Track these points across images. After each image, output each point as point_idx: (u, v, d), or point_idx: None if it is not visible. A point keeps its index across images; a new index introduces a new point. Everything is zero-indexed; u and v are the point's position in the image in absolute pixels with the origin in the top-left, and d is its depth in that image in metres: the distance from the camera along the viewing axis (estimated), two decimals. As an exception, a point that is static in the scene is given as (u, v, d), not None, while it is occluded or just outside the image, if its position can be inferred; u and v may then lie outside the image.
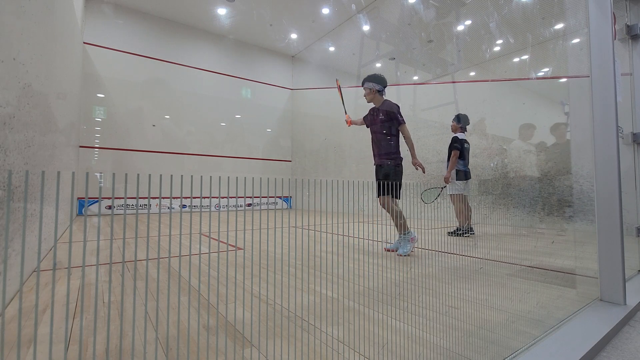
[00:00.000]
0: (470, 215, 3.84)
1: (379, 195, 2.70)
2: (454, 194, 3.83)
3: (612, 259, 1.44)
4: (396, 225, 2.66)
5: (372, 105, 2.96)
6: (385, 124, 2.80)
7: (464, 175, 3.83)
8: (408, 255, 2.52)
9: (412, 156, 2.79)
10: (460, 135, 3.89)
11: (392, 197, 2.65)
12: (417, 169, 2.76)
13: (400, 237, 2.61)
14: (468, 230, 3.69)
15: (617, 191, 1.42)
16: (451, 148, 3.84)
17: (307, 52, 8.63)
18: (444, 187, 3.82)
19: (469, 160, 4.02)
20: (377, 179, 2.84)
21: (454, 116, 4.05)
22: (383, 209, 2.67)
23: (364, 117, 3.04)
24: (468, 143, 3.98)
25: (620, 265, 1.41)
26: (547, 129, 3.98)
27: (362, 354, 1.04)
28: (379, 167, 2.84)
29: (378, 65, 7.30)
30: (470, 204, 3.91)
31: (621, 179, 1.44)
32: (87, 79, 5.95)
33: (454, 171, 3.80)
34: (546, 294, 1.70)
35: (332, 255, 2.61)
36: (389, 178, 2.73)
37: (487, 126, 5.15)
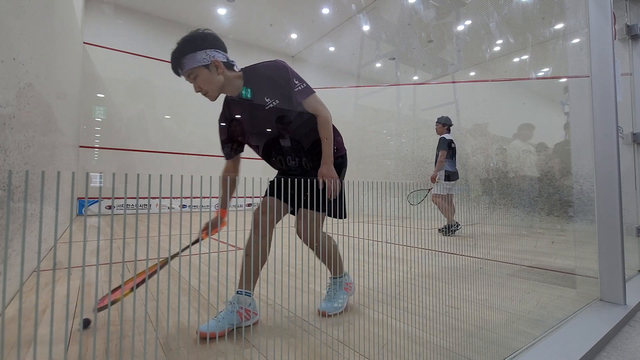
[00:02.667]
0: (454, 213, 3.90)
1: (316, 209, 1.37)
2: (437, 194, 3.89)
3: (612, 259, 1.44)
4: (326, 260, 1.49)
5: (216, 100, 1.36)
6: (284, 110, 1.32)
7: (452, 175, 3.90)
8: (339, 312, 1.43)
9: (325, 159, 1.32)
10: (447, 136, 3.97)
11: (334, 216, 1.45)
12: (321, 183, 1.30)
13: (332, 281, 1.51)
14: (456, 227, 3.75)
15: (617, 191, 1.42)
16: (439, 149, 3.93)
17: (307, 52, 8.62)
18: (431, 188, 3.86)
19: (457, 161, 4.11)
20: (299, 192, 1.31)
21: (437, 119, 4.16)
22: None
23: (225, 145, 1.44)
24: (454, 143, 4.05)
25: (620, 265, 1.41)
26: (547, 129, 3.99)
27: (362, 354, 1.04)
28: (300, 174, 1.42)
29: (378, 65, 7.30)
30: (454, 204, 3.95)
31: (621, 179, 1.44)
32: (87, 79, 5.95)
33: (441, 172, 3.87)
34: (546, 294, 1.70)
35: (332, 255, 2.61)
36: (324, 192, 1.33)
37: (488, 128, 5.16)
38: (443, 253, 2.76)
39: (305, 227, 1.38)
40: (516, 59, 6.43)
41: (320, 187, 1.29)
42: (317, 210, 1.36)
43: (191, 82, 1.30)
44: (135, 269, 0.68)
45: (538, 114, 4.88)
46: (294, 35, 8.15)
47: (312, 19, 7.08)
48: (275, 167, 1.51)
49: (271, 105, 1.30)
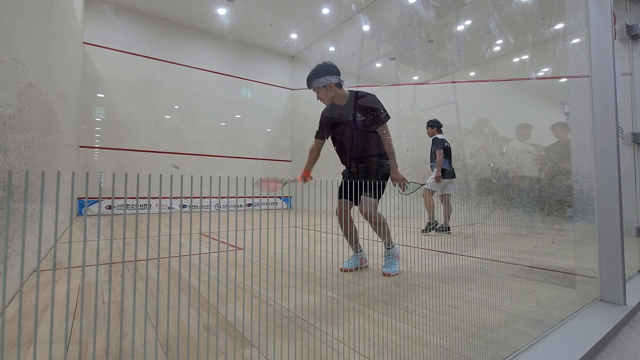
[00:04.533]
0: (450, 214, 3.94)
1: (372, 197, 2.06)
2: (427, 190, 4.01)
3: (612, 259, 1.44)
4: (381, 235, 2.08)
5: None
6: (367, 124, 2.09)
7: (448, 174, 4.01)
8: (396, 274, 2.04)
9: (392, 169, 2.10)
10: (440, 136, 4.09)
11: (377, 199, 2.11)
12: (395, 185, 2.06)
13: (386, 252, 2.13)
14: (446, 229, 3.80)
15: (617, 191, 1.42)
16: (434, 149, 4.05)
17: (307, 52, 8.62)
18: (423, 184, 3.94)
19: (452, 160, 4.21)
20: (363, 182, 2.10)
21: (427, 122, 4.30)
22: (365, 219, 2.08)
23: (321, 130, 2.23)
24: (448, 143, 4.16)
25: (620, 265, 1.41)
26: (547, 129, 4.00)
27: (362, 354, 1.04)
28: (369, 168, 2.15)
29: (378, 65, 7.30)
30: (451, 204, 4.03)
31: (621, 179, 1.44)
32: (87, 79, 5.95)
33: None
34: (546, 294, 1.70)
35: (332, 255, 2.61)
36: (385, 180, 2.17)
37: (489, 126, 5.17)
38: (443, 253, 2.76)
39: (366, 207, 2.02)
40: (516, 59, 6.42)
41: (395, 187, 2.04)
42: (372, 196, 2.03)
43: (317, 93, 2.12)
44: (135, 269, 0.67)
45: (538, 114, 4.88)
46: (294, 35, 8.15)
47: (312, 19, 7.08)
48: (341, 159, 2.22)
49: (359, 119, 2.05)
